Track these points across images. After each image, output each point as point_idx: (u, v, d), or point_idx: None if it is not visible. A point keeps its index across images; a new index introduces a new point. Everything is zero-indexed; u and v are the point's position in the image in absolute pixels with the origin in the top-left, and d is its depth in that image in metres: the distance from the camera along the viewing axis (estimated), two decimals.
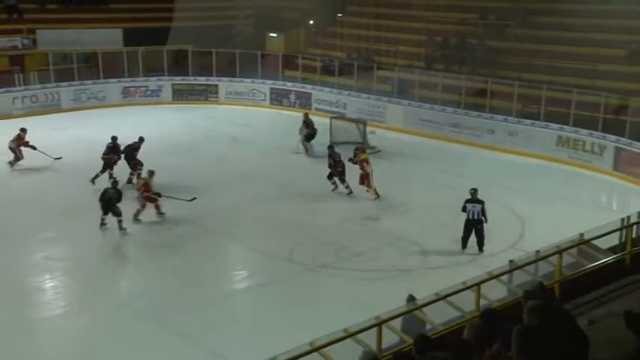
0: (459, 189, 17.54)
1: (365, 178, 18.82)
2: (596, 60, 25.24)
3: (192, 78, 31.00)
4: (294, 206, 18.39)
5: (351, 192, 19.02)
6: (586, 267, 9.42)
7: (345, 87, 28.74)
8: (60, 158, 21.00)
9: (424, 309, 8.20)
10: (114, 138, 19.81)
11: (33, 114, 26.78)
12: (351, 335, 7.33)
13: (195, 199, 17.56)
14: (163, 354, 11.46)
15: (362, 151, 19.62)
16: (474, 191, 15.40)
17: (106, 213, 16.37)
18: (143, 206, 17.01)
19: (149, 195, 17.01)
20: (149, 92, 30.61)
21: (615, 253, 9.83)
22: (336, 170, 19.24)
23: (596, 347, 6.00)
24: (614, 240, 10.22)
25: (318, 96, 29.33)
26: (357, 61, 29.96)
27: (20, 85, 28.34)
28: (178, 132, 25.80)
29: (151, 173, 17.32)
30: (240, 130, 26.17)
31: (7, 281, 14.11)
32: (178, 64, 31.56)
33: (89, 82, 29.57)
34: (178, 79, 30.90)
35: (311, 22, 37.20)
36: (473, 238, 15.41)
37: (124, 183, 18.89)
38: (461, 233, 15.47)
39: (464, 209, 15.29)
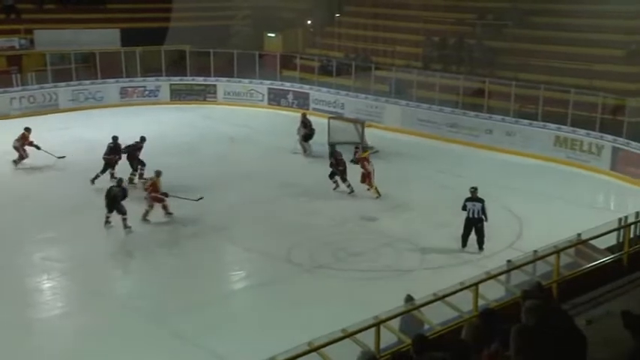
0: (456, 189, 17.60)
1: (366, 177, 18.87)
2: (593, 60, 25.26)
3: (190, 78, 30.99)
4: (293, 206, 18.43)
5: (352, 191, 19.07)
6: (584, 267, 9.43)
7: (342, 87, 28.76)
8: (63, 157, 21.14)
9: (422, 309, 8.21)
10: (115, 138, 19.84)
11: (30, 114, 26.72)
12: (349, 335, 7.34)
13: (202, 198, 17.62)
14: (162, 354, 11.48)
15: (363, 150, 19.69)
16: (474, 190, 15.44)
17: (110, 211, 16.45)
18: (151, 206, 17.02)
19: (157, 195, 17.02)
20: (147, 92, 30.59)
21: (613, 253, 9.83)
22: (338, 169, 19.29)
23: (593, 347, 6.02)
24: (611, 240, 10.24)
25: (316, 96, 29.35)
26: (354, 61, 29.97)
27: (18, 85, 28.29)
28: (177, 132, 25.80)
29: (158, 173, 17.30)
30: (238, 130, 26.17)
31: (7, 281, 14.13)
32: (176, 65, 31.55)
33: (87, 82, 29.55)
34: (176, 80, 30.90)
35: (309, 22, 37.19)
36: (473, 237, 15.44)
37: (127, 183, 18.90)
38: (459, 233, 15.51)
39: (464, 208, 15.32)
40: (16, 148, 21.00)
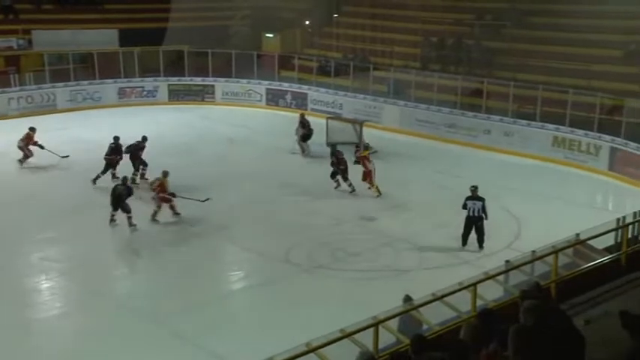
0: (455, 189, 17.63)
1: (367, 175, 18.91)
2: (591, 60, 25.28)
3: (189, 78, 30.97)
4: (292, 206, 18.45)
5: (353, 190, 19.11)
6: (582, 267, 9.45)
7: (341, 87, 28.76)
8: (67, 156, 21.22)
9: (421, 309, 8.23)
10: (116, 138, 19.85)
11: (28, 114, 26.66)
12: (347, 335, 7.35)
13: (208, 199, 17.61)
14: (162, 354, 11.48)
15: (363, 148, 19.72)
16: (474, 189, 15.48)
17: (115, 209, 16.49)
18: (159, 207, 17.01)
19: (164, 195, 17.02)
20: (145, 93, 30.57)
21: (611, 253, 9.85)
22: (339, 168, 19.33)
23: (591, 347, 6.04)
24: (609, 240, 10.26)
25: (314, 96, 29.35)
26: (353, 62, 29.97)
27: (16, 85, 28.28)
28: (175, 133, 25.77)
29: (166, 174, 17.26)
30: (237, 130, 26.16)
31: (7, 281, 14.13)
32: (174, 65, 31.54)
33: (85, 82, 29.51)
34: (174, 80, 30.87)
35: (307, 22, 37.18)
36: (473, 236, 15.47)
37: (129, 182, 18.91)
38: (458, 233, 15.53)
39: (464, 206, 15.36)
40: (20, 147, 21.13)
